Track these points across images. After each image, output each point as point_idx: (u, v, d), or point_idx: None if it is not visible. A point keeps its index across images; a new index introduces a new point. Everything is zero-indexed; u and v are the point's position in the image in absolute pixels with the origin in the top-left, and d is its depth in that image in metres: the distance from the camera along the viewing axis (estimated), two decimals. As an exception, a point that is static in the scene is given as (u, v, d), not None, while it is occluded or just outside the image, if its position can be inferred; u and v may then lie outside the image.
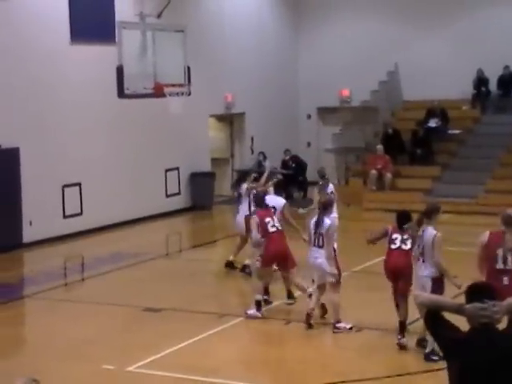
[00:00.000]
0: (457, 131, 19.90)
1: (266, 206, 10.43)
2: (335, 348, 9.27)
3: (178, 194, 18.89)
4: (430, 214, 8.63)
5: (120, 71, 13.39)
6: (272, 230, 9.96)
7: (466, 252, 13.64)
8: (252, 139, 21.46)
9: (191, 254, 12.20)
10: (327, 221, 9.35)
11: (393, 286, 8.93)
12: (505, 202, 16.43)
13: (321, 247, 9.28)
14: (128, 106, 15.96)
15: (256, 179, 12.47)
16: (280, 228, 10.10)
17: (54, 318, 10.44)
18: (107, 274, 12.27)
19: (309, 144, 23.07)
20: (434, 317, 4.20)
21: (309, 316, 9.34)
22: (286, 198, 19.24)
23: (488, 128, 19.81)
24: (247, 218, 11.51)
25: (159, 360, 8.66)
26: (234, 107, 20.76)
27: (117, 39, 13.89)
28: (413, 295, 4.32)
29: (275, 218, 10.17)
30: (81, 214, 16.12)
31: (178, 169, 18.88)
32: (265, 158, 21.15)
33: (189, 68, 14.75)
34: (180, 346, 9.06)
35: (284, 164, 21.35)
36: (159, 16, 16.98)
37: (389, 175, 19.04)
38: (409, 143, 19.92)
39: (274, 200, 11.04)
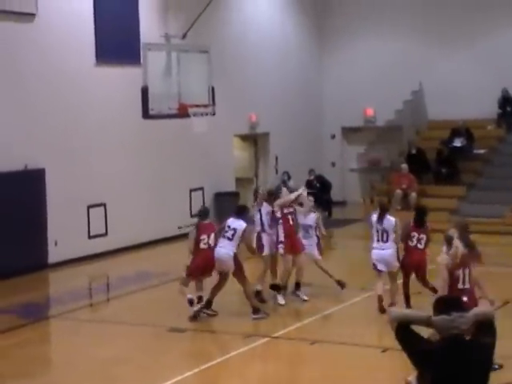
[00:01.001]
0: (482, 151, 19.76)
1: (209, 221, 11.08)
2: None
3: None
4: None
5: (145, 92, 13.50)
6: (203, 247, 10.63)
7: (493, 272, 13.52)
8: (276, 159, 21.47)
9: (215, 274, 12.18)
10: (392, 218, 10.87)
11: (404, 280, 10.66)
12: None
13: (385, 242, 10.68)
14: (153, 126, 16.06)
15: (271, 195, 12.18)
16: (212, 246, 10.59)
17: (80, 338, 10.45)
18: (132, 294, 12.28)
19: (333, 164, 23.01)
20: (404, 330, 4.32)
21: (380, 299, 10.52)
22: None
23: (512, 147, 19.67)
24: (258, 235, 11.50)
25: (184, 381, 8.62)
26: (259, 127, 20.80)
27: (142, 60, 14.02)
28: (388, 311, 4.42)
29: (212, 236, 10.65)
30: (106, 234, 16.18)
31: (202, 189, 18.91)
32: (289, 177, 21.12)
33: (213, 88, 14.83)
34: (205, 366, 9.01)
35: (308, 184, 21.27)
36: (184, 37, 17.13)
37: (414, 194, 18.92)
38: (434, 162, 19.80)
39: (237, 223, 10.94)
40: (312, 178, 21.32)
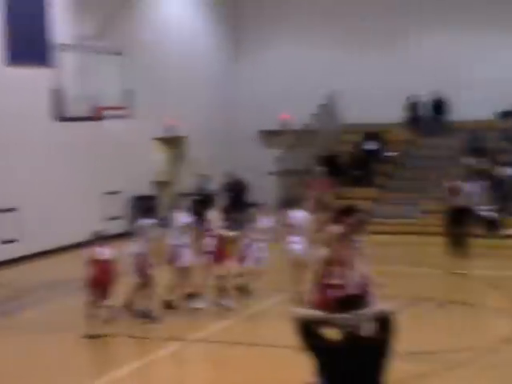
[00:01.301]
0: (393, 153, 20.34)
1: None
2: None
3: (120, 217, 18.73)
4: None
5: (59, 94, 13.33)
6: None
7: (404, 271, 13.95)
8: (194, 162, 21.48)
9: (129, 279, 12.13)
10: None
11: None
12: (440, 222, 16.86)
13: None
14: (67, 129, 15.83)
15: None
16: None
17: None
18: (46, 300, 12.06)
19: (251, 167, 23.17)
20: (305, 329, 4.48)
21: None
22: (228, 221, 19.50)
23: (422, 150, 20.34)
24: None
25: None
26: (177, 130, 20.78)
27: (55, 61, 13.82)
28: (291, 311, 4.58)
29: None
30: (17, 240, 15.84)
31: (120, 192, 18.75)
32: (207, 180, 21.20)
33: (130, 91, 14.76)
34: (122, 371, 8.96)
35: (226, 187, 21.41)
36: (98, 38, 16.95)
37: (329, 197, 19.25)
38: (348, 165, 20.25)
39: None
40: (229, 180, 21.45)
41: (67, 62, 13.70)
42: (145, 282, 10.90)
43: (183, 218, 11.52)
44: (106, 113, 14.64)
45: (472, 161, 17.97)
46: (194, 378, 9.09)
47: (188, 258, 11.35)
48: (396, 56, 21.19)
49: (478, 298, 12.26)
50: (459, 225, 14.51)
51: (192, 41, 21.39)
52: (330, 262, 8.05)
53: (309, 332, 4.50)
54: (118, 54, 14.87)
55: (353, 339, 4.43)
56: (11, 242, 15.68)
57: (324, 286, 7.95)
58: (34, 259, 15.73)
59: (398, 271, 13.96)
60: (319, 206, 19.31)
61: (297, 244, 11.11)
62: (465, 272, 13.65)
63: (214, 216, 11.83)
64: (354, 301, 4.57)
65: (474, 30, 20.44)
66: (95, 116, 14.37)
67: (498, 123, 19.78)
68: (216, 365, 9.38)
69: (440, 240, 16.21)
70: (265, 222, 11.86)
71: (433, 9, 20.81)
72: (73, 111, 13.76)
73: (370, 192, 19.53)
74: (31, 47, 15.97)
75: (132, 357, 9.71)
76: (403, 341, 9.62)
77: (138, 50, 18.27)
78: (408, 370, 8.38)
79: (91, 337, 10.17)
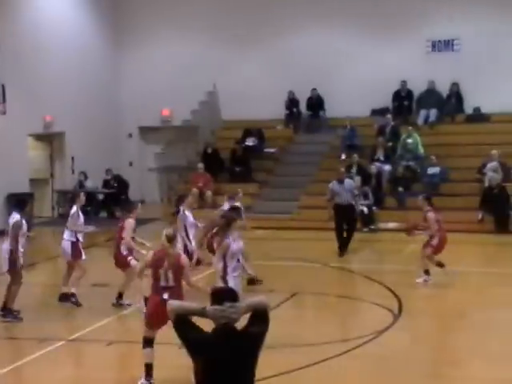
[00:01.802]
0: (272, 150, 20.82)
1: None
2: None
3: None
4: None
5: None
6: None
7: (283, 266, 14.37)
8: (72, 159, 21.15)
9: (8, 277, 11.86)
10: None
11: None
12: (317, 217, 17.46)
13: None
14: None
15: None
16: None
17: None
18: None
19: (131, 163, 23.08)
20: (181, 321, 4.59)
21: None
22: (110, 217, 19.38)
23: (300, 147, 20.92)
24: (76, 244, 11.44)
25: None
26: (54, 126, 20.39)
27: None
28: (168, 303, 4.74)
29: None
30: None
31: (-6, 190, 18.22)
32: (86, 177, 20.94)
33: (3, 86, 14.39)
34: (1, 371, 8.81)
35: (106, 183, 21.24)
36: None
37: (209, 193, 19.51)
38: (228, 161, 20.55)
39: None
40: (109, 177, 21.28)
41: None
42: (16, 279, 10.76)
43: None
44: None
45: (354, 157, 18.62)
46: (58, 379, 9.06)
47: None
48: (276, 53, 21.62)
49: (354, 291, 12.81)
50: (346, 221, 14.98)
51: (73, 35, 20.97)
52: (157, 265, 8.07)
53: (184, 324, 4.58)
54: (-8, 48, 14.45)
55: (224, 331, 4.53)
56: None
57: (161, 289, 8.03)
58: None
59: (277, 266, 14.38)
60: (199, 202, 19.55)
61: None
62: (340, 266, 14.21)
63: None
64: (227, 293, 4.66)
65: (354, 28, 21.15)
66: (-32, 112, 13.92)
67: (374, 120, 20.60)
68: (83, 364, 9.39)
69: (317, 235, 16.79)
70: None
71: (312, 6, 21.33)
72: None
73: (250, 188, 19.89)
74: None
75: (6, 358, 9.54)
76: (282, 334, 10.00)
77: (13, 42, 17.78)
78: (287, 363, 8.72)
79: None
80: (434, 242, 12.37)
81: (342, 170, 15.73)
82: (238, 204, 12.47)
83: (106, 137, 22.34)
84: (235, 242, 9.34)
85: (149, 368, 7.97)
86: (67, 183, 21.05)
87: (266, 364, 8.69)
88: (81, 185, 20.90)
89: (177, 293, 7.98)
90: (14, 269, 10.73)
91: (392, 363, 8.82)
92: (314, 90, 21.21)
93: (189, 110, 21.80)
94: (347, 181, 15.12)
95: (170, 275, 8.05)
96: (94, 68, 21.91)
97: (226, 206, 12.59)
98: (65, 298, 11.43)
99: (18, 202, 11.36)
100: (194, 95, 21.60)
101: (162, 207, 20.18)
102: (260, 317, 4.64)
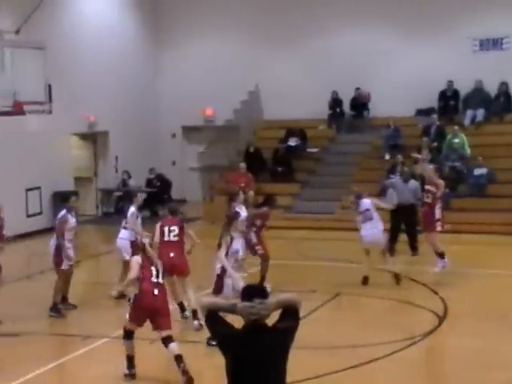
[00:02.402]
0: (314, 150, 20.73)
1: None
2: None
3: (40, 213, 18.47)
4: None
5: (-22, 89, 13.06)
6: None
7: (325, 266, 14.29)
8: (116, 158, 21.34)
9: (54, 275, 12.01)
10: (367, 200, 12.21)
11: None
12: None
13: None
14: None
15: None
16: None
17: None
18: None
19: (173, 163, 23.21)
20: (212, 317, 4.64)
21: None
22: (153, 216, 19.50)
23: (342, 147, 20.78)
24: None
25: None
26: (97, 126, 20.60)
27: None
28: (197, 299, 4.82)
29: None
30: None
31: (39, 188, 18.47)
32: (129, 176, 21.11)
33: (50, 86, 14.58)
34: (41, 370, 8.91)
35: (149, 183, 21.38)
36: (17, 32, 16.65)
37: (251, 193, 19.48)
38: (270, 161, 20.52)
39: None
40: (152, 176, 21.42)
41: (-14, 56, 13.43)
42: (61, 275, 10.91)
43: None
44: (25, 108, 14.42)
45: (397, 158, 18.38)
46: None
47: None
48: (320, 52, 21.49)
49: (397, 292, 12.64)
50: (405, 222, 14.79)
51: (113, 37, 21.18)
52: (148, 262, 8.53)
53: (215, 320, 4.63)
54: (39, 48, 14.66)
55: (254, 327, 4.53)
56: None
57: (152, 285, 8.43)
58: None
59: (319, 266, 14.30)
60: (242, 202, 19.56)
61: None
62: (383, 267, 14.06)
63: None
64: (257, 290, 4.67)
65: (398, 28, 20.95)
66: (15, 111, 14.14)
67: (418, 120, 20.37)
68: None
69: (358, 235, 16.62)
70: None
71: (358, 4, 21.20)
72: (-8, 106, 13.50)
73: (291, 187, 19.85)
74: None
75: (53, 354, 9.65)
76: (324, 335, 9.91)
77: (58, 44, 17.99)
78: (329, 365, 8.65)
79: (8, 335, 10.07)
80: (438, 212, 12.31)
81: (406, 169, 15.56)
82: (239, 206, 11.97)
83: (149, 136, 22.50)
84: (235, 241, 9.39)
85: (130, 359, 8.48)
86: (111, 182, 21.26)
87: (307, 365, 8.71)
88: (124, 184, 21.08)
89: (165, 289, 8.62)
90: (59, 265, 10.88)
91: (437, 367, 8.69)
92: (358, 89, 21.07)
93: (231, 109, 21.82)
94: (412, 181, 14.89)
95: (161, 272, 8.53)
96: (136, 68, 22.09)
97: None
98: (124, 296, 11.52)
99: (63, 197, 11.54)
100: (236, 95, 21.62)
101: (204, 206, 20.24)
102: (290, 313, 4.64)
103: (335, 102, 21.37)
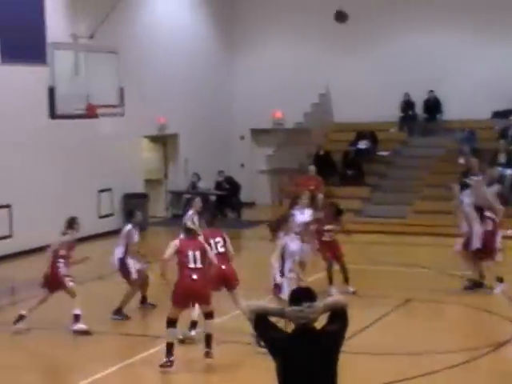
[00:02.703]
0: (385, 153, 20.42)
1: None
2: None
3: (112, 215, 18.75)
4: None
5: (52, 92, 13.32)
6: None
7: (395, 271, 14.03)
8: (186, 160, 21.50)
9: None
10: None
11: None
12: (431, 222, 16.96)
13: None
14: (60, 126, 15.83)
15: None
16: None
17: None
18: (37, 297, 12.04)
19: (242, 165, 23.25)
20: (261, 321, 4.64)
21: None
22: (222, 219, 19.56)
23: (415, 150, 20.41)
24: None
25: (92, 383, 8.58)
26: (168, 128, 20.79)
27: (49, 60, 13.81)
28: (245, 305, 4.74)
29: None
30: (10, 236, 15.83)
31: (111, 190, 18.76)
32: (199, 179, 21.24)
33: (122, 89, 14.75)
34: (111, 369, 8.99)
35: (218, 185, 21.46)
36: (92, 37, 16.95)
37: (321, 196, 19.33)
38: (340, 164, 20.32)
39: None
40: (221, 179, 21.49)
41: (61, 60, 13.68)
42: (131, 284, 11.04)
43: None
44: (98, 111, 14.63)
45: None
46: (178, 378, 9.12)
47: None
48: (391, 54, 21.21)
49: (472, 299, 12.26)
50: None
51: (185, 39, 21.36)
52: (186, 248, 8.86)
53: (264, 324, 4.63)
54: (112, 52, 14.85)
55: (303, 331, 4.54)
56: (4, 238, 15.69)
57: (189, 270, 8.82)
58: (26, 256, 15.72)
59: (390, 271, 14.05)
60: (310, 205, 19.42)
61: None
62: (457, 273, 13.70)
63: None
64: (305, 293, 4.64)
65: (471, 28, 20.49)
66: (88, 114, 14.35)
67: (494, 123, 19.84)
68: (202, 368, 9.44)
69: (432, 240, 16.30)
70: None
71: (429, 6, 20.83)
72: (66, 109, 13.75)
73: (362, 191, 19.60)
74: (25, 45, 15.94)
75: (121, 354, 9.73)
76: (394, 341, 9.69)
77: (130, 47, 18.23)
78: (399, 371, 8.45)
79: (81, 334, 10.21)
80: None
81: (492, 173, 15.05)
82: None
83: (219, 138, 22.60)
84: (293, 242, 9.46)
85: (169, 346, 8.70)
86: (180, 184, 21.43)
87: (377, 371, 8.54)
88: (194, 186, 21.22)
89: (204, 274, 8.85)
90: (128, 276, 11.02)
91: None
92: (431, 91, 20.67)
93: (301, 112, 21.71)
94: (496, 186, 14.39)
95: (198, 257, 8.81)
96: (207, 70, 22.21)
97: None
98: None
99: (129, 212, 11.64)
100: (306, 97, 21.51)
101: (272, 209, 20.18)
102: (338, 316, 4.63)
103: (407, 105, 21.02)
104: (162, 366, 8.75)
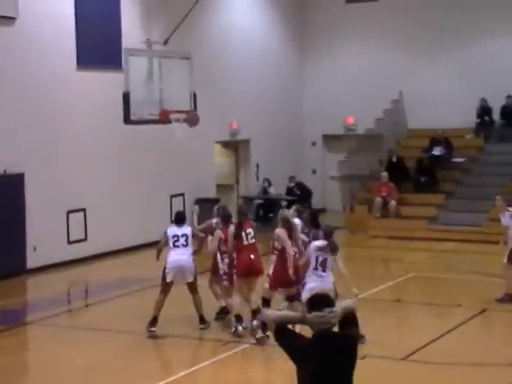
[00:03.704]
0: (461, 159, 19.94)
1: None
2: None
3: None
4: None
5: (126, 97, 13.47)
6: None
7: (471, 280, 13.65)
8: (257, 166, 21.51)
9: (199, 280, 12.21)
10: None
11: None
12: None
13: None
14: (134, 131, 16.04)
15: None
16: None
17: (58, 344, 10.39)
18: (111, 300, 12.25)
19: (314, 171, 23.11)
20: (282, 330, 4.64)
21: None
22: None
23: (491, 157, 19.86)
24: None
25: (163, 387, 8.61)
26: (240, 134, 20.84)
27: (123, 66, 14.00)
28: (262, 312, 4.67)
29: None
30: (85, 239, 16.12)
31: (183, 195, 18.91)
32: (270, 184, 21.21)
33: (195, 94, 14.84)
34: (183, 373, 9.00)
35: (289, 191, 21.38)
36: (166, 43, 17.15)
37: (393, 202, 19.04)
38: (413, 171, 19.96)
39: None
40: (292, 184, 21.39)
41: (135, 66, 13.85)
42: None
43: None
44: (171, 116, 14.75)
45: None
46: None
47: None
48: (466, 59, 20.75)
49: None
50: None
51: (257, 44, 21.40)
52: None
53: (285, 333, 4.64)
54: (185, 58, 14.96)
55: (327, 336, 4.59)
56: (80, 241, 15.98)
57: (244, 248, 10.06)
58: (100, 259, 15.97)
59: (465, 280, 13.69)
60: (383, 212, 19.14)
61: None
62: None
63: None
64: (325, 298, 4.68)
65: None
66: (161, 119, 14.48)
67: None
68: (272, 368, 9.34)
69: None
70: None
71: (504, 9, 20.30)
72: (140, 114, 13.90)
73: (436, 198, 19.19)
74: (101, 52, 16.26)
75: (192, 358, 9.73)
76: (470, 352, 9.41)
77: (203, 53, 18.36)
78: (475, 382, 8.18)
79: (156, 337, 10.27)
80: None
81: None
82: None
83: (290, 144, 22.53)
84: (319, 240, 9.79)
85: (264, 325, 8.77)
86: (252, 189, 21.45)
87: (455, 381, 8.30)
88: (265, 191, 21.20)
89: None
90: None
91: None
92: (509, 97, 20.09)
93: (373, 118, 21.45)
94: None
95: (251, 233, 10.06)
96: (278, 75, 22.19)
97: None
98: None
99: (179, 217, 11.33)
100: (378, 103, 21.24)
101: (344, 216, 19.98)
102: (351, 320, 4.68)
103: (484, 110, 20.48)
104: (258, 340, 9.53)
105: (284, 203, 20.95)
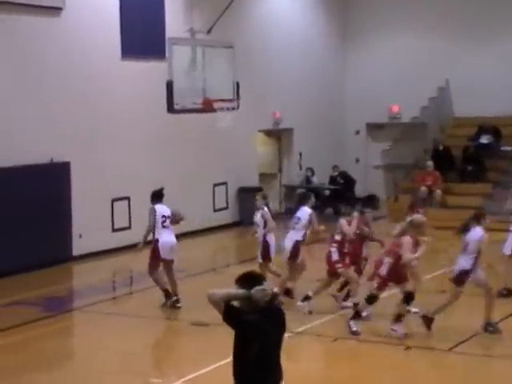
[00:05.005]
0: (509, 148, 19.57)
1: None
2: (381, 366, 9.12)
3: (226, 208, 18.94)
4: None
5: (170, 86, 13.53)
6: None
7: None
8: (300, 155, 21.42)
9: (239, 269, 12.16)
10: None
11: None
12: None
13: None
14: (177, 120, 16.10)
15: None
16: None
17: (102, 331, 10.51)
18: (155, 287, 12.31)
19: (357, 160, 22.92)
20: (230, 308, 4.86)
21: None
22: (335, 214, 19.38)
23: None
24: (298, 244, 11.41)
25: (206, 375, 8.63)
26: (282, 123, 20.77)
27: (167, 55, 14.06)
28: (209, 292, 4.96)
29: None
30: (129, 227, 16.26)
31: (226, 183, 18.94)
32: (313, 173, 21.11)
33: (238, 83, 14.82)
34: (227, 360, 8.99)
35: (332, 180, 21.26)
36: (209, 32, 17.16)
37: (439, 192, 18.79)
38: (459, 160, 19.65)
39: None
40: (336, 174, 21.27)
41: (179, 55, 13.89)
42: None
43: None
44: (215, 105, 14.76)
45: None
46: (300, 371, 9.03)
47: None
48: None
49: None
50: None
51: (300, 32, 21.27)
52: None
53: (233, 311, 4.82)
54: (228, 47, 14.94)
55: (272, 309, 4.90)
56: (124, 229, 16.13)
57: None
58: (145, 246, 16.07)
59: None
60: (428, 201, 18.90)
61: None
62: None
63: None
64: (257, 276, 4.96)
65: None
66: (205, 108, 14.50)
67: None
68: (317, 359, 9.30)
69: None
70: None
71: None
72: (183, 103, 13.94)
73: (483, 188, 18.88)
74: (145, 41, 16.34)
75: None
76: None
77: (245, 42, 18.33)
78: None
79: (199, 324, 10.30)
80: None
81: None
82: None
83: (333, 133, 22.38)
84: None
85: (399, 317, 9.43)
86: (294, 178, 21.38)
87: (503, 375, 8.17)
88: (308, 180, 21.12)
89: None
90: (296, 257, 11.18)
91: None
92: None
93: (418, 106, 21.18)
94: None
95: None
96: (321, 64, 22.03)
97: None
98: (288, 292, 11.51)
99: (303, 195, 11.78)
100: (423, 91, 20.96)
101: (388, 205, 19.78)
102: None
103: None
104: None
105: (327, 193, 20.79)
